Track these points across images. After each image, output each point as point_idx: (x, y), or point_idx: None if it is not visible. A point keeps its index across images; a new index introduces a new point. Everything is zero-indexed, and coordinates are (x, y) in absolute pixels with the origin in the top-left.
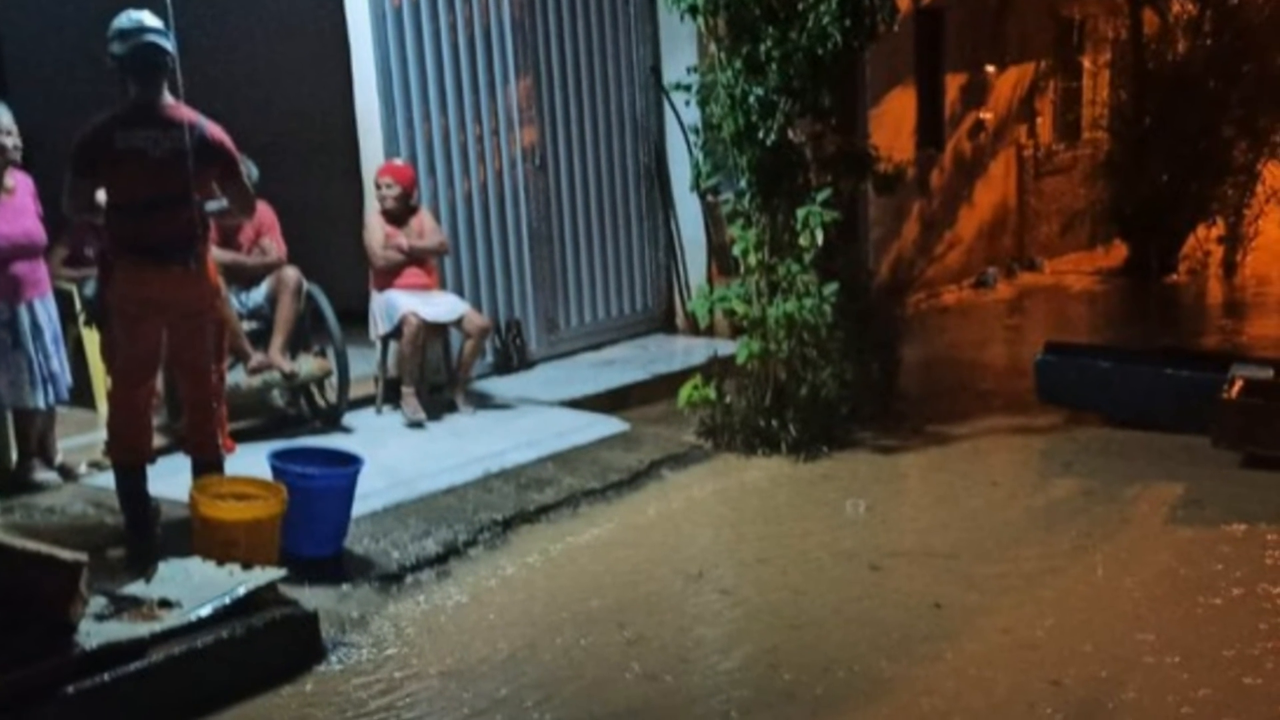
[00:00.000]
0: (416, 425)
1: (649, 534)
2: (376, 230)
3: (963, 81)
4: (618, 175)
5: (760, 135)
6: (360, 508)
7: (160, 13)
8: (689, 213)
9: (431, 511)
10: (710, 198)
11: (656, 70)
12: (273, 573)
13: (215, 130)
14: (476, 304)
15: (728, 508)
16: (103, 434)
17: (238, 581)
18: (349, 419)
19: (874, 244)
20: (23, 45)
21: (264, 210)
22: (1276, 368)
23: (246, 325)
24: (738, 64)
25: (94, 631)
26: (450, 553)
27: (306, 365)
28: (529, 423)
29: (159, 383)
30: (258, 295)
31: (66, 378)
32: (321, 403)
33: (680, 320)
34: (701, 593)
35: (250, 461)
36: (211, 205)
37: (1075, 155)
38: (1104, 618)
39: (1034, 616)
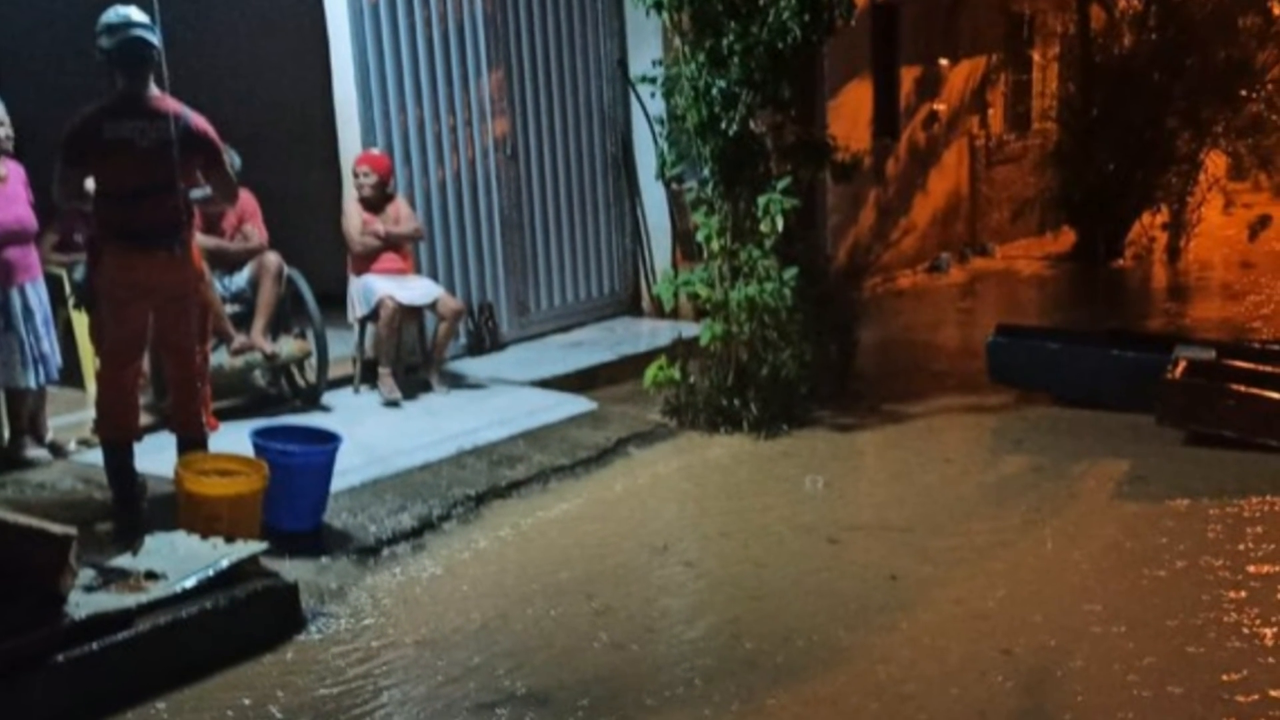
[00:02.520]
0: (393, 404)
1: (616, 509)
2: (354, 217)
3: (917, 74)
4: (586, 164)
5: (723, 126)
6: (339, 483)
7: (147, 8)
8: (654, 200)
9: (407, 487)
10: (675, 186)
11: (623, 63)
12: (255, 546)
13: (199, 121)
14: (450, 288)
15: (691, 483)
16: (91, 412)
17: (221, 554)
18: (328, 398)
19: (832, 230)
20: (15, 39)
21: (246, 198)
22: (1219, 349)
23: (229, 308)
24: (701, 57)
25: (83, 602)
26: (425, 527)
27: (287, 346)
28: (501, 402)
29: (145, 363)
30: (240, 279)
31: (56, 358)
32: (301, 383)
33: (646, 303)
34: (666, 565)
35: (233, 439)
36: (196, 193)
37: (1025, 145)
38: (1053, 589)
39: (986, 588)
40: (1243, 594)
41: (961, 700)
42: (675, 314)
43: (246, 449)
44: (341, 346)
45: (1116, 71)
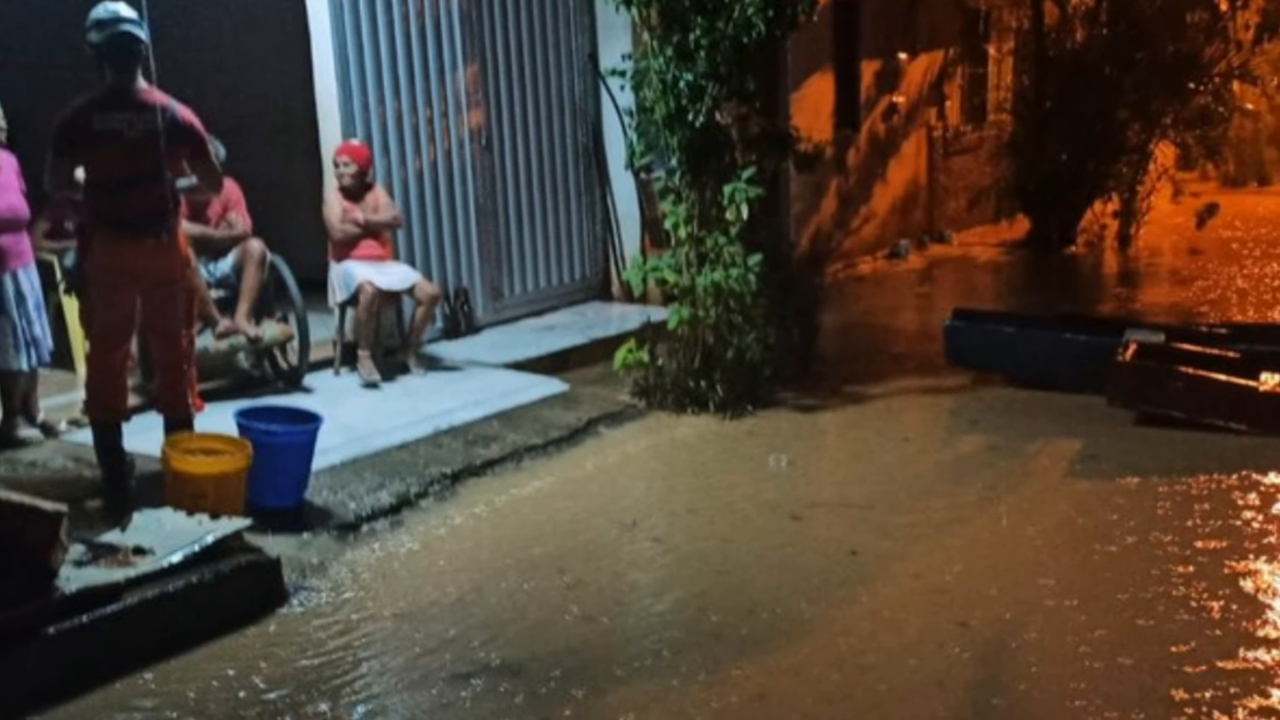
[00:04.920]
0: (372, 386)
1: (587, 486)
2: (335, 205)
3: (877, 68)
4: (558, 155)
5: (690, 117)
6: (319, 462)
7: (135, 4)
8: (624, 189)
9: (385, 466)
10: (643, 175)
11: (594, 57)
12: (239, 522)
13: (185, 113)
14: (427, 273)
15: (659, 462)
16: (81, 394)
17: (206, 530)
18: (309, 380)
19: (795, 218)
20: (7, 34)
21: (230, 187)
22: (1167, 333)
23: (214, 293)
24: (669, 51)
25: (73, 577)
26: (403, 504)
27: (270, 330)
28: (476, 384)
29: (133, 346)
30: (225, 265)
31: (48, 342)
32: (284, 365)
33: (616, 289)
34: (635, 541)
35: (218, 419)
36: (182, 182)
37: (981, 136)
38: (1008, 564)
39: (943, 563)
40: (1190, 569)
41: (920, 671)
42: (644, 299)
43: (231, 429)
44: (322, 330)
45: (1069, 65)
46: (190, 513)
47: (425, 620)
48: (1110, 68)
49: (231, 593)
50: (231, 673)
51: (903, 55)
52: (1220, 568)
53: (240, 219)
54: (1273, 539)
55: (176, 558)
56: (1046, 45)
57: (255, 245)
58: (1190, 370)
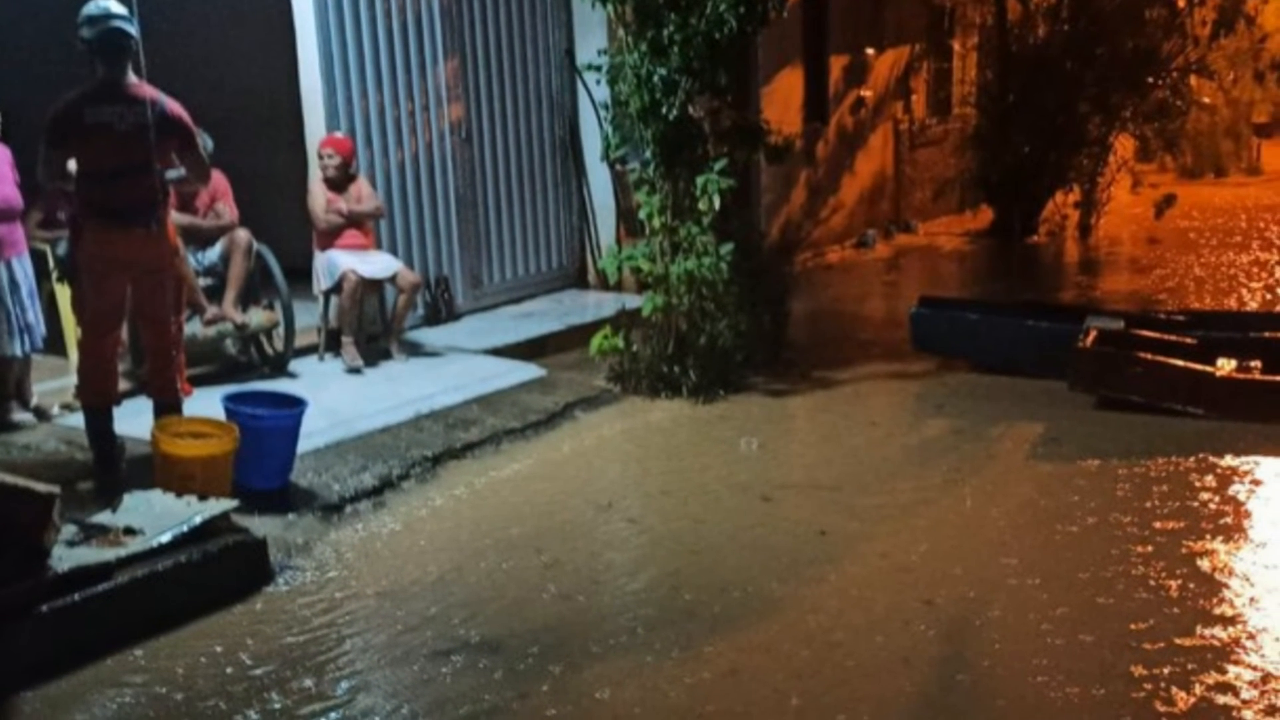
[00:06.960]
0: (355, 371)
1: (564, 469)
2: (319, 196)
3: (845, 62)
4: (535, 147)
5: (663, 111)
6: (304, 445)
7: (125, 1)
8: (599, 180)
9: (368, 448)
10: (619, 167)
11: (570, 52)
12: (226, 503)
13: (174, 106)
14: (409, 262)
15: (634, 445)
16: (73, 379)
17: (194, 511)
18: (294, 366)
19: (765, 208)
20: (1, 30)
21: (218, 178)
22: (1127, 319)
23: (202, 281)
24: (643, 47)
25: (65, 556)
26: (385, 485)
27: (256, 317)
28: (456, 369)
29: (124, 333)
30: (212, 254)
31: (41, 328)
32: (270, 351)
33: (592, 277)
34: (611, 521)
35: (206, 404)
36: (171, 173)
37: (946, 129)
38: (972, 544)
39: (909, 543)
40: (1149, 548)
41: (886, 647)
42: (619, 286)
43: (218, 413)
44: (307, 317)
45: (1031, 60)
46: (179, 494)
47: (407, 598)
48: (1071, 63)
49: (219, 572)
50: (219, 649)
51: (870, 50)
52: (1178, 547)
53: (228, 209)
54: (1229, 519)
55: (166, 538)
56: (1010, 41)
57: (242, 235)
58: (1149, 356)
